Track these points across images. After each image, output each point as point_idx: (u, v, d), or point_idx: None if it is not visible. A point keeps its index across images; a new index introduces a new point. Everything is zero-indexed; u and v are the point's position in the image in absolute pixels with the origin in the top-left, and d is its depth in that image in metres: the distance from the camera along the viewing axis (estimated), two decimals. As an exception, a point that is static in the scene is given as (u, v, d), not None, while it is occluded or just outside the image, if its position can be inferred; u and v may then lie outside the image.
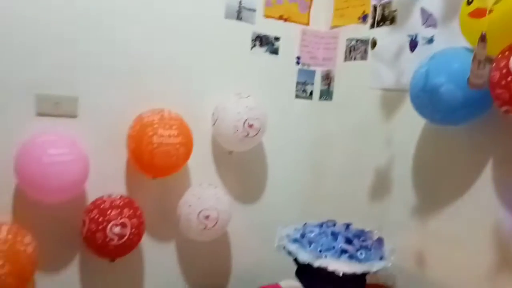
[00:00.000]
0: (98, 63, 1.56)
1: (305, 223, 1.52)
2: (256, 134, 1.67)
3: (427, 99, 1.18)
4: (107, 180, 1.62)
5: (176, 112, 1.60)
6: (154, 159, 1.49)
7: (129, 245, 1.51)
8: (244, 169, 1.92)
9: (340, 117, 1.91)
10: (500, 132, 1.23)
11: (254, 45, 1.85)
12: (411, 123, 1.50)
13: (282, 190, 2.02)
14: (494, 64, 1.00)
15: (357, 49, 1.79)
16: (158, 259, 1.78)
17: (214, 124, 1.70)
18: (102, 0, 1.55)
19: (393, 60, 1.57)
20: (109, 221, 1.45)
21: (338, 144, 1.92)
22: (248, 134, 1.64)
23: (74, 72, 1.53)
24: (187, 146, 1.56)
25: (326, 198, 1.97)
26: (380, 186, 1.67)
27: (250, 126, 1.64)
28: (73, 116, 1.55)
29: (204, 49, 1.75)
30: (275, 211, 1.95)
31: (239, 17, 1.80)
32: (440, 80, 1.13)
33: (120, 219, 1.47)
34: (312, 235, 1.40)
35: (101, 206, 1.49)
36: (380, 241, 1.38)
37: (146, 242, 1.72)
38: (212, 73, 1.78)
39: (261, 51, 1.87)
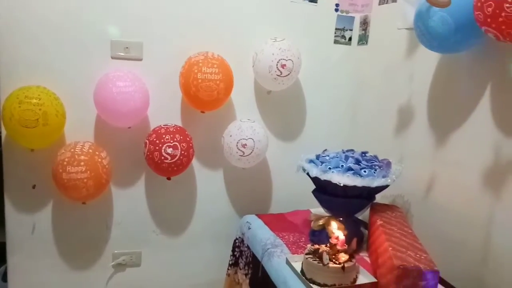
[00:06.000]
0: (160, 17, 1.87)
1: (325, 149, 1.70)
2: (289, 74, 1.84)
3: (424, 27, 1.27)
4: (165, 112, 1.94)
5: (219, 54, 1.85)
6: (199, 92, 1.76)
7: (180, 164, 1.82)
8: (282, 109, 2.12)
9: (373, 60, 2.02)
10: (495, 61, 1.28)
11: (294, -5, 2.01)
12: (428, 59, 1.58)
13: (319, 130, 2.18)
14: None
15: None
16: (207, 183, 2.08)
17: (253, 65, 1.92)
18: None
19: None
20: (163, 143, 1.79)
21: (371, 85, 2.04)
22: (281, 74, 1.83)
23: (140, 22, 1.85)
24: (226, 83, 1.80)
25: (361, 137, 2.11)
26: (402, 121, 1.77)
27: (283, 66, 1.82)
28: (139, 59, 1.89)
29: (247, 1, 1.96)
30: (312, 148, 2.14)
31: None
32: (434, 8, 1.21)
33: (172, 142, 1.80)
34: (327, 157, 1.59)
35: (159, 132, 1.82)
36: (388, 164, 1.52)
37: (197, 167, 2.05)
38: (254, 22, 1.99)
39: (300, 0, 2.03)
